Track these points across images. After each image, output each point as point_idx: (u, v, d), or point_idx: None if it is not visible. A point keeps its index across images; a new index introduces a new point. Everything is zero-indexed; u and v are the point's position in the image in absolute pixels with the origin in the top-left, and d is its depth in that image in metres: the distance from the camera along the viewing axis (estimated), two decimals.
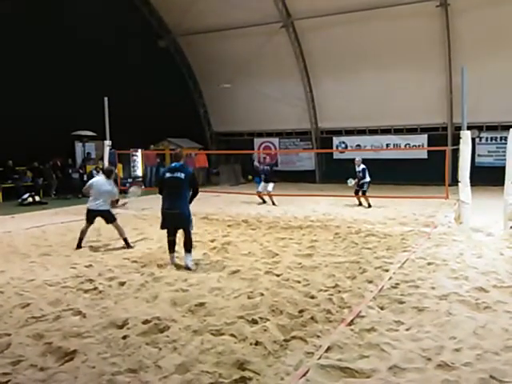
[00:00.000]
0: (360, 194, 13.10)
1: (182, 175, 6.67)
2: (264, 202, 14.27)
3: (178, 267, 6.62)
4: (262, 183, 14.50)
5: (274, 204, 13.88)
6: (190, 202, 6.88)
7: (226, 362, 3.63)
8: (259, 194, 14.36)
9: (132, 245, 7.98)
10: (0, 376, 3.49)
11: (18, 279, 6.01)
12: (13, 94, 14.63)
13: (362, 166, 13.13)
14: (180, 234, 6.93)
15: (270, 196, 14.07)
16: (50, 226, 10.27)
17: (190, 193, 6.82)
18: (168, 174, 6.78)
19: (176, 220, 6.76)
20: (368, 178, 13.11)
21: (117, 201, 8.74)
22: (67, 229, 9.97)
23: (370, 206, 12.89)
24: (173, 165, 6.93)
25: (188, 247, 6.72)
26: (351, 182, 13.32)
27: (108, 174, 8.22)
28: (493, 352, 3.75)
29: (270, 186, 14.20)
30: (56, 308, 4.93)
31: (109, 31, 17.19)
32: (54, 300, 5.17)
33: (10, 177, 15.70)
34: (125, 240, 7.98)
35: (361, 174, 12.99)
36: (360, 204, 13.25)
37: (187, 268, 6.52)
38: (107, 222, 8.10)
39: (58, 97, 15.70)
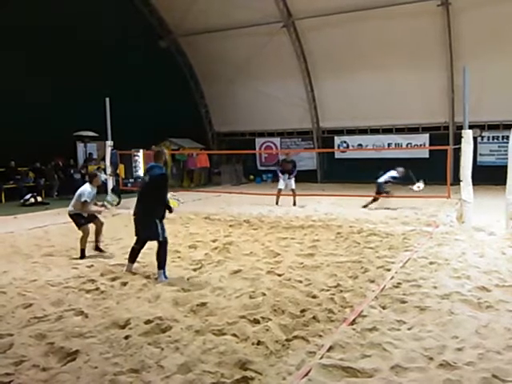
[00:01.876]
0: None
1: (147, 178, 6.08)
2: (277, 203, 13.53)
3: (180, 268, 6.62)
4: (282, 181, 13.76)
5: (295, 204, 13.35)
6: (168, 209, 6.18)
7: (228, 362, 3.63)
8: (279, 194, 13.68)
9: (86, 255, 7.35)
10: (3, 376, 3.50)
11: (20, 279, 6.03)
12: (14, 94, 14.65)
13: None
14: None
15: (294, 195, 13.54)
16: (52, 227, 10.29)
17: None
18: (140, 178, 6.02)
19: (139, 228, 6.20)
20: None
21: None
22: (69, 229, 9.92)
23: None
24: (148, 165, 6.33)
25: (160, 263, 6.04)
26: (419, 186, 12.41)
27: (90, 179, 7.81)
28: (495, 351, 3.74)
29: (292, 182, 13.68)
30: (58, 308, 4.95)
31: (110, 32, 17.20)
32: (57, 300, 5.18)
33: (12, 177, 15.73)
34: (82, 250, 7.39)
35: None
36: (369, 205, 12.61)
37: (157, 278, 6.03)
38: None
39: (60, 97, 15.72)
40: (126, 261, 6.49)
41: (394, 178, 12.52)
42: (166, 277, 5.99)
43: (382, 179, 12.52)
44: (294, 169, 13.93)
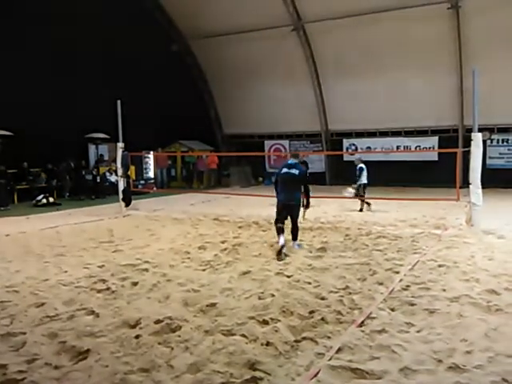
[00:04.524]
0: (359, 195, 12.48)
1: (297, 172, 7.66)
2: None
3: (189, 268, 6.68)
4: None
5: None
6: (307, 200, 8.20)
7: (238, 362, 3.66)
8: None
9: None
10: (16, 373, 3.55)
11: (32, 279, 6.11)
12: (27, 96, 14.82)
13: (360, 165, 12.58)
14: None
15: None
16: (64, 227, 10.39)
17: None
18: (285, 170, 7.76)
19: (289, 210, 7.71)
20: (364, 180, 12.52)
21: None
22: (81, 229, 10.10)
23: (361, 210, 12.37)
24: (289, 162, 7.91)
25: (295, 235, 7.84)
26: (350, 192, 12.54)
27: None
28: (505, 355, 3.73)
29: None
30: (70, 307, 5.01)
31: (122, 34, 17.30)
32: (68, 300, 5.24)
33: (25, 178, 15.93)
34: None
35: (357, 172, 12.45)
36: (361, 210, 12.45)
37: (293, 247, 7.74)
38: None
39: (72, 99, 15.89)
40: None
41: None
42: (298, 245, 7.80)
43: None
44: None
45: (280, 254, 7.18)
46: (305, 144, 22.52)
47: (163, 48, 20.54)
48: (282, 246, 7.32)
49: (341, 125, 21.20)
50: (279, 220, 7.72)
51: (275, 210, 7.86)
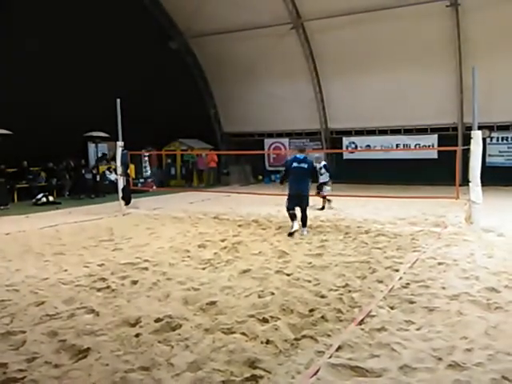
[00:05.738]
0: (320, 193, 12.54)
1: (306, 165, 8.68)
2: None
3: (189, 267, 6.68)
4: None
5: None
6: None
7: (238, 361, 3.65)
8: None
9: None
10: (16, 372, 3.54)
11: (32, 278, 6.10)
12: (27, 95, 14.81)
13: (324, 163, 12.82)
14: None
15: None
16: (64, 226, 10.39)
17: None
18: (295, 164, 8.70)
19: (300, 200, 8.76)
20: (326, 178, 12.62)
21: None
22: (80, 228, 10.10)
23: (323, 208, 12.41)
24: (298, 156, 8.85)
25: (304, 223, 8.85)
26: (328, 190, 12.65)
27: None
28: (505, 352, 3.72)
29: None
30: (70, 306, 5.00)
31: (121, 33, 17.27)
32: (68, 298, 5.23)
33: (25, 177, 15.92)
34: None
35: (322, 171, 12.50)
36: (323, 208, 12.47)
37: (301, 234, 8.68)
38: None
39: (72, 98, 15.87)
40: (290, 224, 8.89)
41: (320, 169, 12.53)
42: (307, 231, 8.80)
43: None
44: None
45: (292, 235, 8.52)
46: (304, 142, 22.46)
47: (163, 46, 20.51)
48: (295, 231, 8.58)
49: (340, 123, 21.20)
50: (290, 208, 8.80)
51: (287, 199, 8.96)
